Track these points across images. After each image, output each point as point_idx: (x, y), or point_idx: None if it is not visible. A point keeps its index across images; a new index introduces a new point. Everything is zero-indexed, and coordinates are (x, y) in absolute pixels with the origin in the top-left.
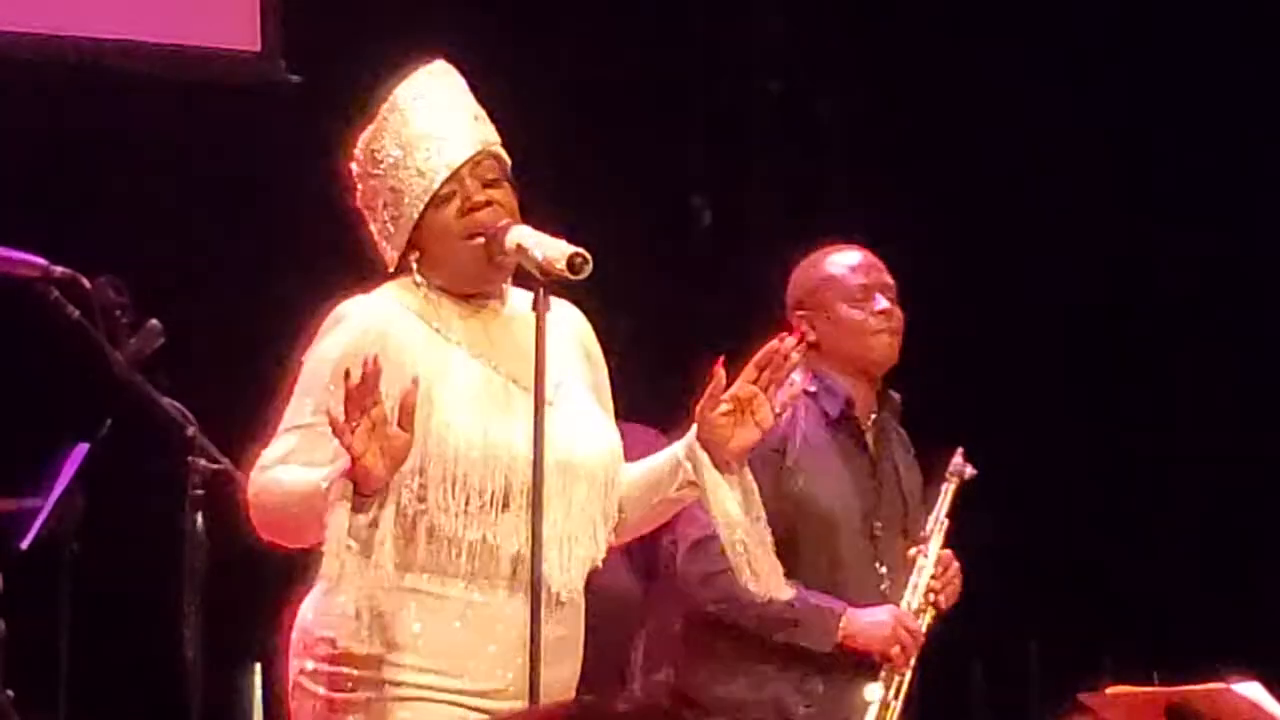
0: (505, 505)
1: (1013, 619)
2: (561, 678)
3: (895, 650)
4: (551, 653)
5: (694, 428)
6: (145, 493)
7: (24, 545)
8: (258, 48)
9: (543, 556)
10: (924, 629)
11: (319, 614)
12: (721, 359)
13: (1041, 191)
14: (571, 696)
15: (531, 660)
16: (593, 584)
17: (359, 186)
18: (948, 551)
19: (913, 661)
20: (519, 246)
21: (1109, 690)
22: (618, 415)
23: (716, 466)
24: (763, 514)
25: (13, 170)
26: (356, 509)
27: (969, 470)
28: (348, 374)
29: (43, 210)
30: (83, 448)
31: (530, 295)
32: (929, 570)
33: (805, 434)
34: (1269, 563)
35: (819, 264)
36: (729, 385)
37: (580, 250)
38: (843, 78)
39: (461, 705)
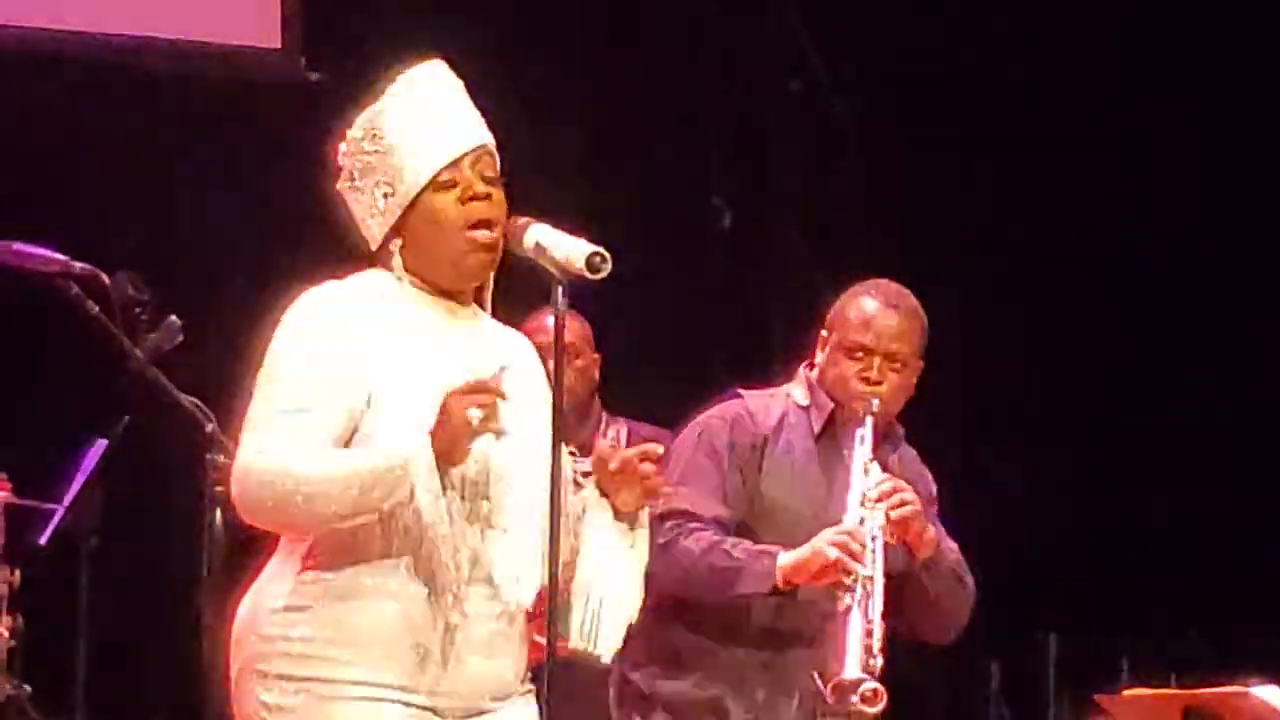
0: (463, 497)
1: (1031, 619)
2: (497, 671)
3: (834, 554)
4: (489, 648)
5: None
6: (163, 489)
7: (42, 541)
8: (278, 45)
9: (495, 559)
10: (871, 543)
11: (256, 612)
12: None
13: (1059, 191)
14: (510, 692)
15: (547, 660)
16: None
17: (349, 165)
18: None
19: (871, 555)
20: (538, 245)
21: (1126, 692)
22: (638, 411)
23: (616, 518)
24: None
25: (33, 166)
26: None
27: (874, 403)
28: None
29: (63, 206)
30: (101, 443)
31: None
32: (855, 504)
33: (789, 440)
34: None
35: (852, 299)
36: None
37: (599, 249)
38: (862, 78)
39: (400, 703)
